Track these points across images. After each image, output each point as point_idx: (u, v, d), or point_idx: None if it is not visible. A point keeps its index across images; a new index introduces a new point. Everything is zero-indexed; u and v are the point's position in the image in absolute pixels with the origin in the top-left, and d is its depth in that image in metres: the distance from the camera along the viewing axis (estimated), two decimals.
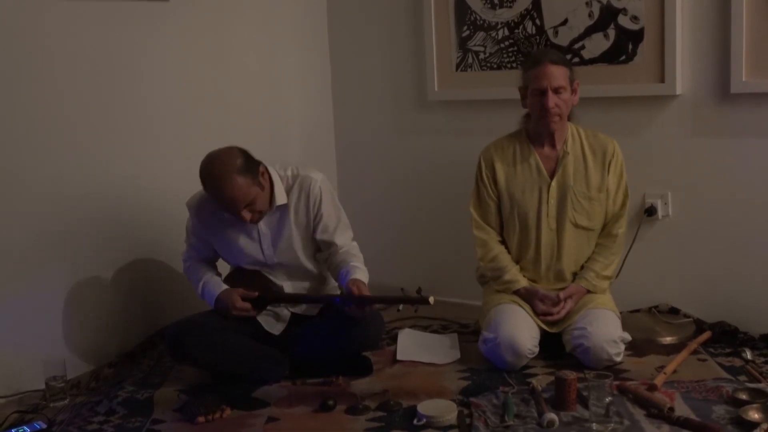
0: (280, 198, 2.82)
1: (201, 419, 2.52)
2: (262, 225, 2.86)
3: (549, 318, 2.89)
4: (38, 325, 2.87)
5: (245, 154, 2.73)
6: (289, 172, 2.88)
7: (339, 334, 2.83)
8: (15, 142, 2.78)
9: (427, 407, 2.47)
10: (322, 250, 2.96)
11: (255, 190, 2.70)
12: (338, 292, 3.03)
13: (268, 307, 2.92)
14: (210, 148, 3.31)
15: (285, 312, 2.96)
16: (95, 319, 3.06)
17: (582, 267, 3.00)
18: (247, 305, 2.82)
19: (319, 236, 2.89)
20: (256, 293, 2.85)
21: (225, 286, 2.87)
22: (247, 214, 2.71)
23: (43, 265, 2.88)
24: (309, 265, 2.95)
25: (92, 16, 2.98)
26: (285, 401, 2.66)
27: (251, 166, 2.72)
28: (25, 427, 2.50)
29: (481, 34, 3.53)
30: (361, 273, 2.81)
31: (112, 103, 3.07)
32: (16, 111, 2.77)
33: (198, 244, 2.95)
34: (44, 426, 2.53)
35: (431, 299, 2.53)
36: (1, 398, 2.75)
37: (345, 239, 2.93)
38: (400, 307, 2.69)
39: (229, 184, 2.64)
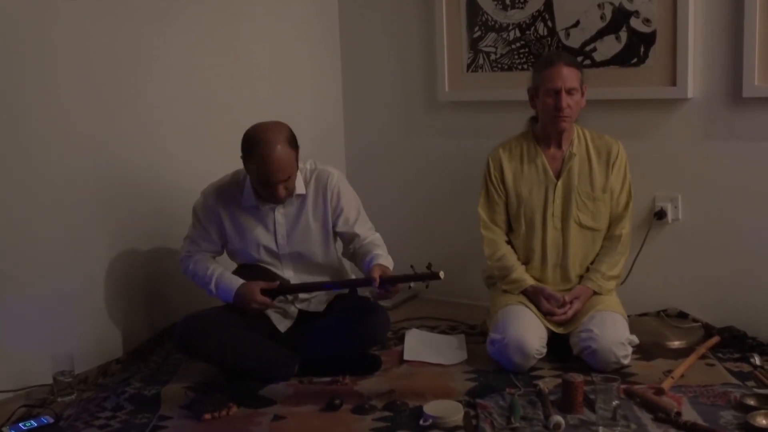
0: (299, 187, 2.84)
1: (207, 416, 2.52)
2: (279, 215, 2.87)
3: (554, 319, 2.88)
4: (46, 321, 2.88)
5: (291, 130, 2.74)
6: (308, 165, 2.91)
7: (346, 330, 2.84)
8: (19, 142, 2.77)
9: (433, 408, 2.47)
10: (344, 245, 2.97)
11: (294, 167, 2.73)
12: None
13: (278, 303, 2.91)
14: (219, 148, 3.33)
15: (293, 309, 2.96)
16: (103, 315, 3.08)
17: (588, 269, 3.00)
18: (267, 299, 2.81)
19: (340, 229, 2.91)
20: (277, 282, 2.84)
21: (242, 281, 2.84)
22: (282, 190, 2.71)
23: (50, 261, 2.89)
24: (319, 258, 2.94)
25: (101, 13, 2.98)
26: (292, 400, 2.66)
27: (294, 142, 2.74)
28: (32, 422, 2.51)
29: (492, 35, 3.52)
30: (383, 260, 2.81)
31: (119, 101, 3.07)
32: (22, 110, 2.77)
33: (204, 236, 2.91)
34: (51, 420, 2.53)
35: (441, 274, 2.57)
36: (9, 392, 2.76)
37: (366, 230, 2.95)
38: (411, 284, 2.68)
39: (277, 153, 2.65)
